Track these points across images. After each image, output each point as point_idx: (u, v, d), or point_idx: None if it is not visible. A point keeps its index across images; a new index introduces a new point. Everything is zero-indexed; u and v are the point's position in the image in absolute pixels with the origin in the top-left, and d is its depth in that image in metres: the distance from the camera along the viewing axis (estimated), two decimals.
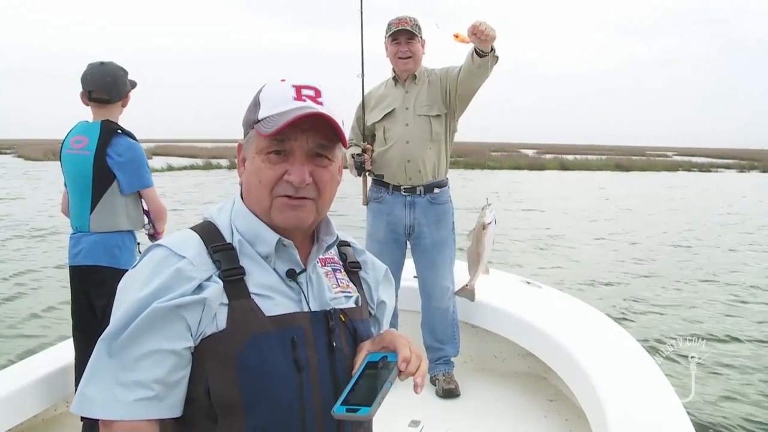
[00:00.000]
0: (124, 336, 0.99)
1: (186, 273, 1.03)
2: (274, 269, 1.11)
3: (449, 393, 3.18)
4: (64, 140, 2.85)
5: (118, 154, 2.72)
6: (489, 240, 3.21)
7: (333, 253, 1.26)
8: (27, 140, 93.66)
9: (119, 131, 2.77)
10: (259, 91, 1.12)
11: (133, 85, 2.93)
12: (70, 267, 2.82)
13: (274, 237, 1.11)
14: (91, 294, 2.73)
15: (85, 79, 2.79)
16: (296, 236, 1.14)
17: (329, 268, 1.22)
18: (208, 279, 1.04)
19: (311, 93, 1.09)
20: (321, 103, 1.08)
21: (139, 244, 2.88)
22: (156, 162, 32.57)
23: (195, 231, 1.12)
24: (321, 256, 1.20)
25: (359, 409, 0.99)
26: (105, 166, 2.72)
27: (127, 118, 2.97)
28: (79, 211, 2.79)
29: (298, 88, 1.08)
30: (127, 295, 1.03)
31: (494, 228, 3.21)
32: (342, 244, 1.29)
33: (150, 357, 0.99)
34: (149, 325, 0.99)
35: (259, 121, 1.08)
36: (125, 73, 2.86)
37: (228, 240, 1.10)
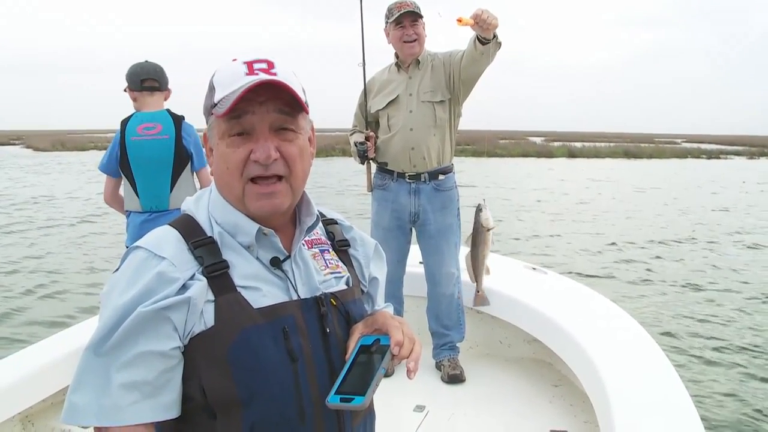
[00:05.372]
0: (110, 342, 0.97)
1: (168, 275, 1.00)
2: (257, 259, 1.08)
3: (454, 378, 3.19)
4: (123, 130, 3.15)
5: (189, 135, 3.19)
6: (490, 242, 3.24)
7: (320, 233, 1.22)
8: (36, 131, 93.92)
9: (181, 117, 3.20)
10: (213, 76, 1.08)
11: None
12: None
13: (253, 227, 1.07)
14: None
15: (135, 72, 3.17)
16: (277, 222, 1.11)
17: (317, 250, 1.18)
18: (192, 278, 1.01)
19: (263, 66, 1.04)
20: (275, 74, 1.04)
21: None
22: None
23: (174, 227, 1.08)
24: (307, 238, 1.17)
25: (353, 399, 0.98)
26: (183, 147, 3.16)
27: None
28: (155, 191, 3.14)
29: (250, 64, 1.04)
30: (110, 301, 1.01)
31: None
32: (329, 222, 1.25)
33: (138, 360, 0.97)
34: (136, 329, 0.97)
35: (215, 104, 1.05)
36: None
37: (208, 233, 1.07)
